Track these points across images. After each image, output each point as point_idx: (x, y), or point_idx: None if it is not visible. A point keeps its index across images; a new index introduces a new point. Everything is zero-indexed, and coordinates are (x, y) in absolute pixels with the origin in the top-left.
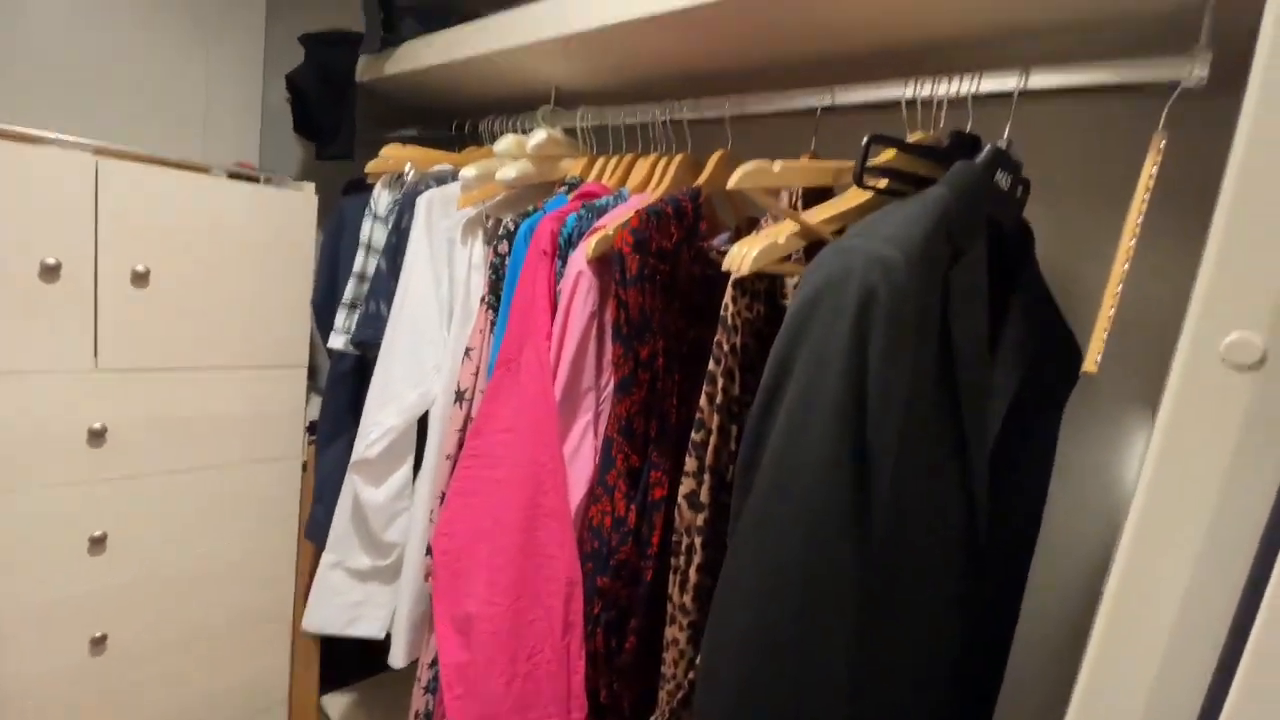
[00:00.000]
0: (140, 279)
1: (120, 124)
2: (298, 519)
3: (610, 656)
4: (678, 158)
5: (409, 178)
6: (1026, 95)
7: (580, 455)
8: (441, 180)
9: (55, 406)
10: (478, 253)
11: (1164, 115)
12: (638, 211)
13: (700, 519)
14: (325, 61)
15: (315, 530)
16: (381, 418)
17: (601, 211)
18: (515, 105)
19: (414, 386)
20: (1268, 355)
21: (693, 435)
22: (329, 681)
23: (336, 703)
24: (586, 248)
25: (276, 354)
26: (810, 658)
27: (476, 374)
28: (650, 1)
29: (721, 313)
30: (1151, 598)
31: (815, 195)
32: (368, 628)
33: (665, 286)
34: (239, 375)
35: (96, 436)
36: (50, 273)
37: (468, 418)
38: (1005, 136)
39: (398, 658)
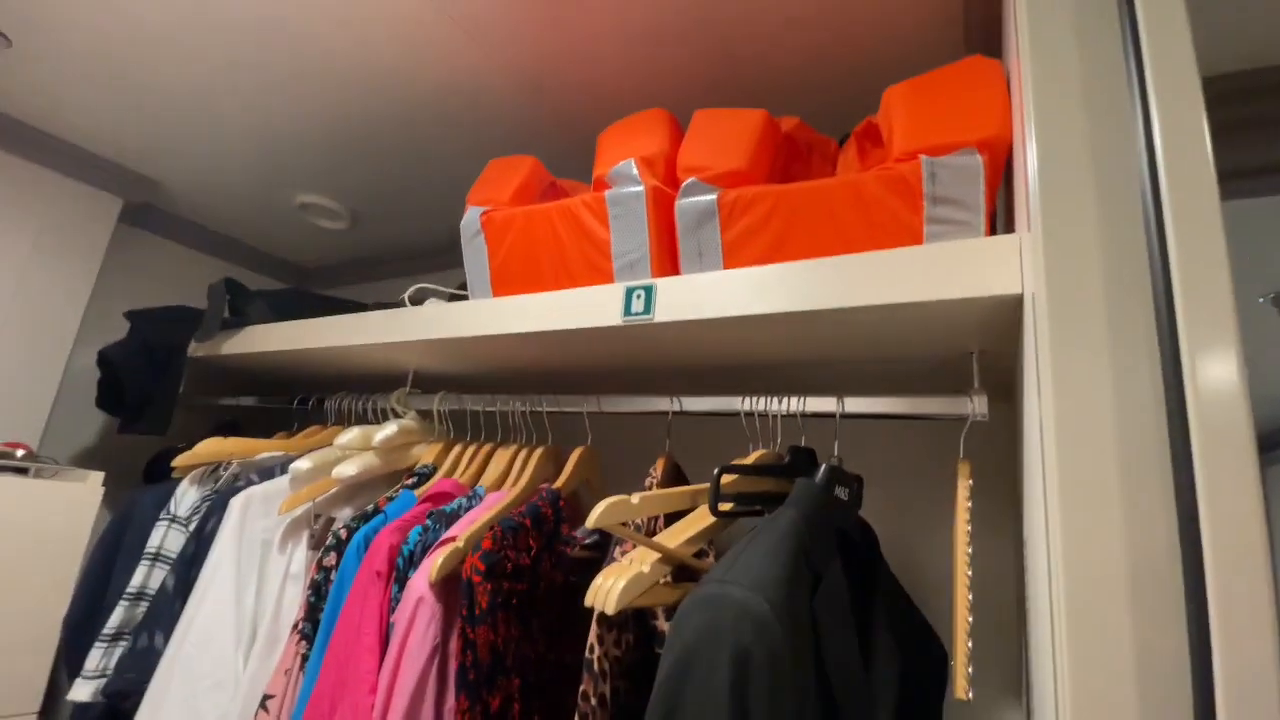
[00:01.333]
0: None
1: None
2: None
3: None
4: (538, 451)
5: (227, 471)
6: (848, 416)
7: None
8: (268, 474)
9: None
10: (298, 560)
11: (961, 444)
12: (491, 529)
13: None
14: (152, 337)
15: None
16: None
17: (452, 518)
18: (369, 384)
19: None
20: None
21: None
22: None
23: None
24: (430, 567)
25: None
26: None
27: None
28: (516, 321)
29: (586, 655)
30: None
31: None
32: None
33: (523, 609)
34: None
35: None
36: None
37: None
38: (835, 454)
39: None
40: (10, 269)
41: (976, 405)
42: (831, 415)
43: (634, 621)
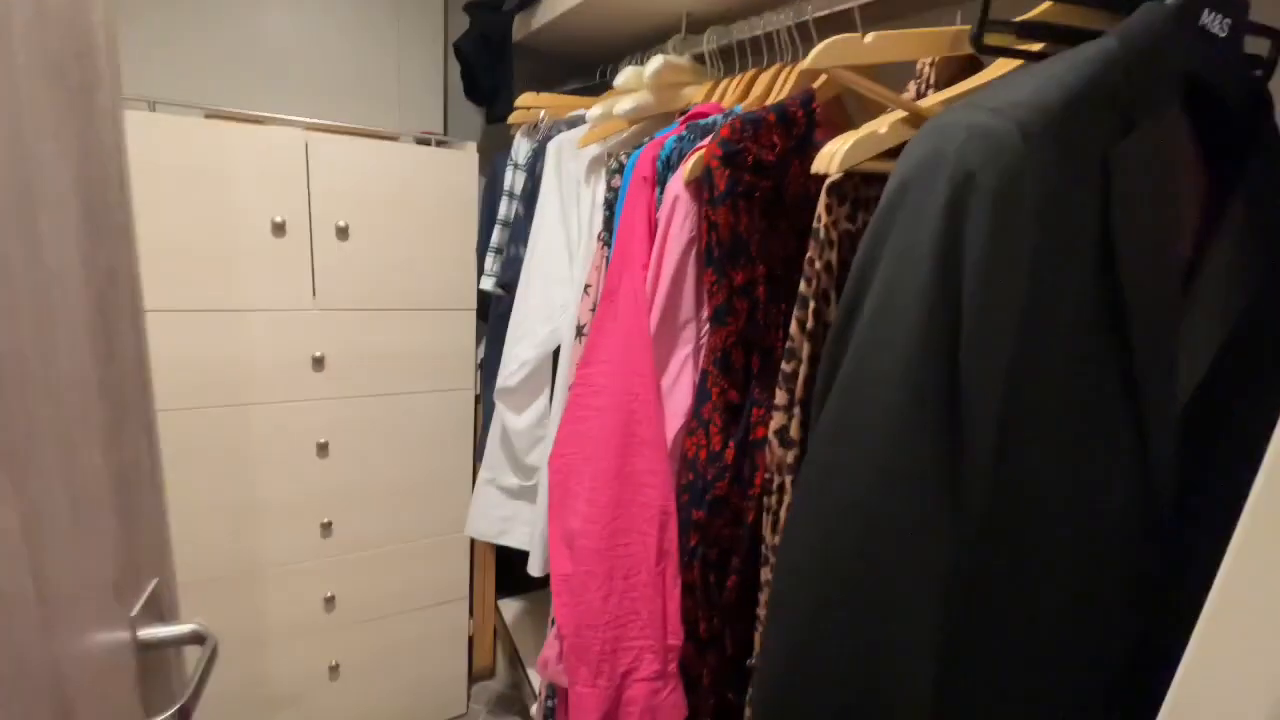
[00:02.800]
0: (342, 233)
1: (331, 103)
2: (473, 443)
3: (710, 593)
4: (800, 64)
5: (543, 125)
6: None
7: (679, 387)
8: (573, 124)
9: (286, 337)
10: (599, 192)
11: None
12: (731, 121)
13: (790, 456)
14: (485, 26)
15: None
16: (518, 351)
17: (708, 131)
18: (650, 42)
19: (545, 322)
20: None
21: (783, 365)
22: (506, 587)
23: (511, 606)
24: (684, 169)
25: (449, 298)
26: (866, 660)
27: (594, 309)
28: None
29: (814, 224)
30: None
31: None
32: (515, 539)
33: (767, 205)
34: (420, 316)
35: (318, 363)
36: (279, 229)
37: None
38: None
39: (535, 567)
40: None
41: None
42: None
43: (874, 203)
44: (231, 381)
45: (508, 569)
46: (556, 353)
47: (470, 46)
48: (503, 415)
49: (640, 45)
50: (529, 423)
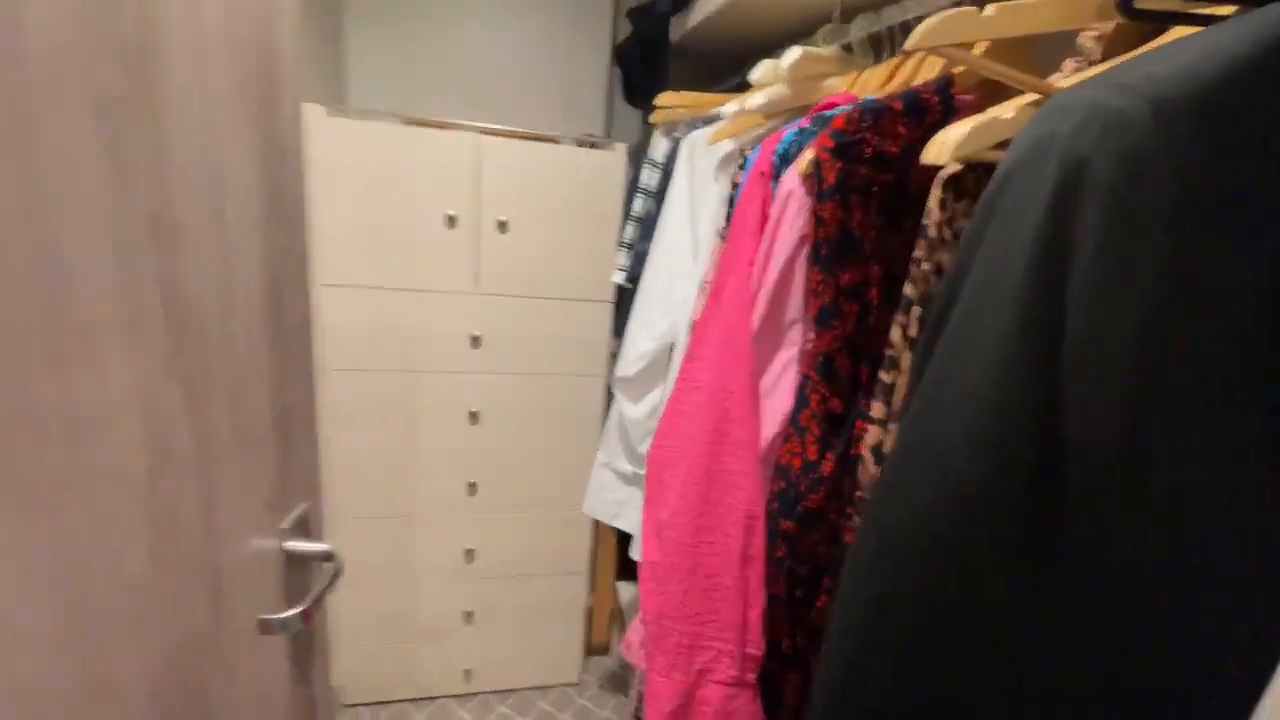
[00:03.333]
0: (502, 226)
1: (505, 107)
2: (600, 427)
3: (795, 607)
4: None
5: (682, 123)
6: None
7: (780, 390)
8: (710, 122)
9: (451, 316)
10: (726, 187)
11: None
12: (849, 110)
13: None
14: (644, 30)
15: None
16: (637, 342)
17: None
18: (803, 35)
19: (664, 316)
20: None
21: (881, 375)
22: (627, 571)
23: (628, 589)
24: (800, 163)
25: (590, 289)
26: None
27: None
28: None
29: (923, 220)
30: None
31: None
32: (626, 523)
33: (887, 201)
34: (564, 305)
35: (475, 340)
36: (451, 221)
37: None
38: None
39: (636, 551)
40: (556, 11)
41: None
42: None
43: None
44: (405, 351)
45: (628, 553)
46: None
47: (630, 51)
48: (620, 403)
49: (793, 38)
50: (644, 413)
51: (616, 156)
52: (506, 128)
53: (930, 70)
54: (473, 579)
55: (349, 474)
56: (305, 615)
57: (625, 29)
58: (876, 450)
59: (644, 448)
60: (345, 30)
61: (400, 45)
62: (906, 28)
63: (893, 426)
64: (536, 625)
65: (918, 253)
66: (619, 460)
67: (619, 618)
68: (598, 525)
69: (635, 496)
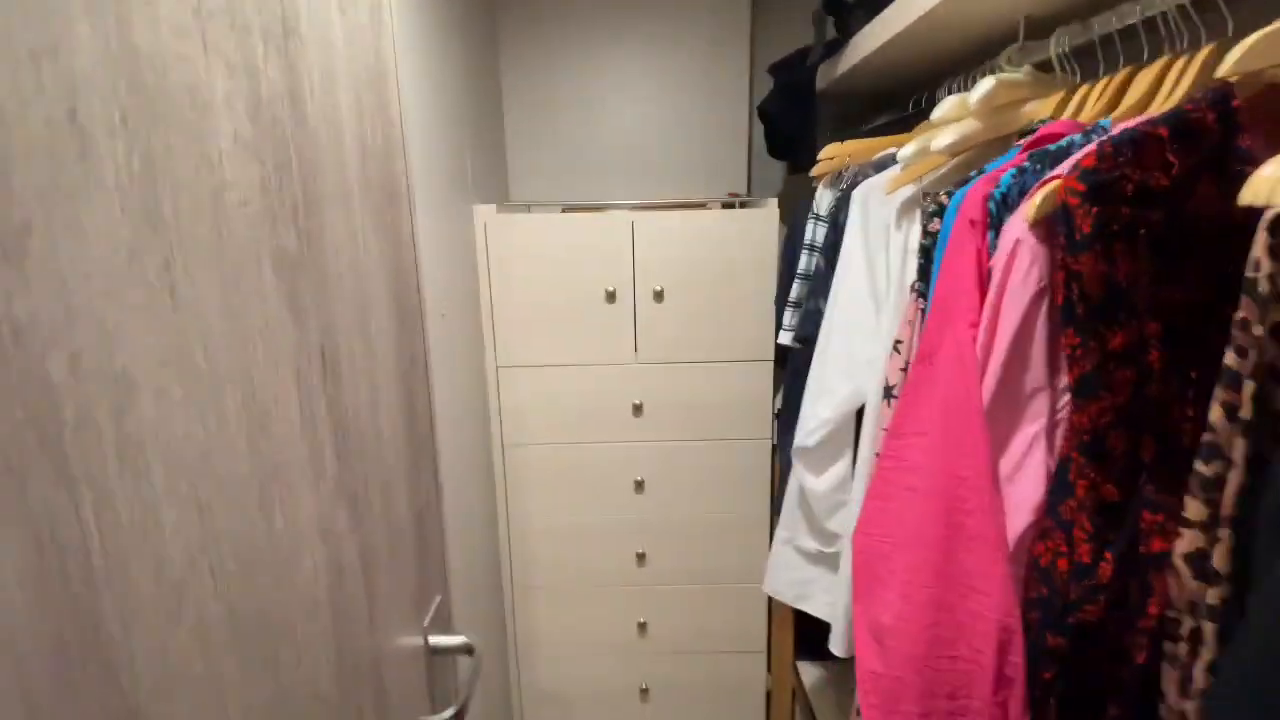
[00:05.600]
0: (658, 296)
1: (649, 178)
2: (769, 491)
3: None
4: (1202, 52)
5: (848, 173)
6: None
7: (1024, 474)
8: (881, 167)
9: (612, 386)
10: (913, 237)
11: None
12: (1099, 143)
13: (1214, 595)
14: (788, 83)
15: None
16: (817, 409)
17: (1059, 158)
18: (975, 60)
19: (847, 380)
20: None
21: (1199, 466)
22: (806, 649)
23: (811, 671)
24: (1027, 208)
25: (749, 350)
26: None
27: (905, 369)
28: None
29: (1247, 273)
30: None
31: None
32: (814, 606)
33: (1158, 242)
34: (723, 368)
35: (637, 409)
36: (610, 296)
37: None
38: None
39: (837, 646)
40: (692, 78)
41: None
42: None
43: None
44: (571, 423)
45: (807, 630)
46: (860, 410)
47: (774, 106)
48: (800, 475)
49: (962, 66)
50: (829, 486)
51: (767, 213)
52: (655, 201)
53: (1182, 81)
54: (646, 654)
55: (521, 544)
56: (459, 715)
57: (761, 85)
58: (1194, 559)
59: (832, 524)
60: (505, 130)
61: (552, 136)
62: (1128, 33)
63: (1224, 533)
64: (715, 707)
65: (1243, 312)
66: (802, 537)
67: (801, 699)
68: (771, 601)
69: (823, 577)
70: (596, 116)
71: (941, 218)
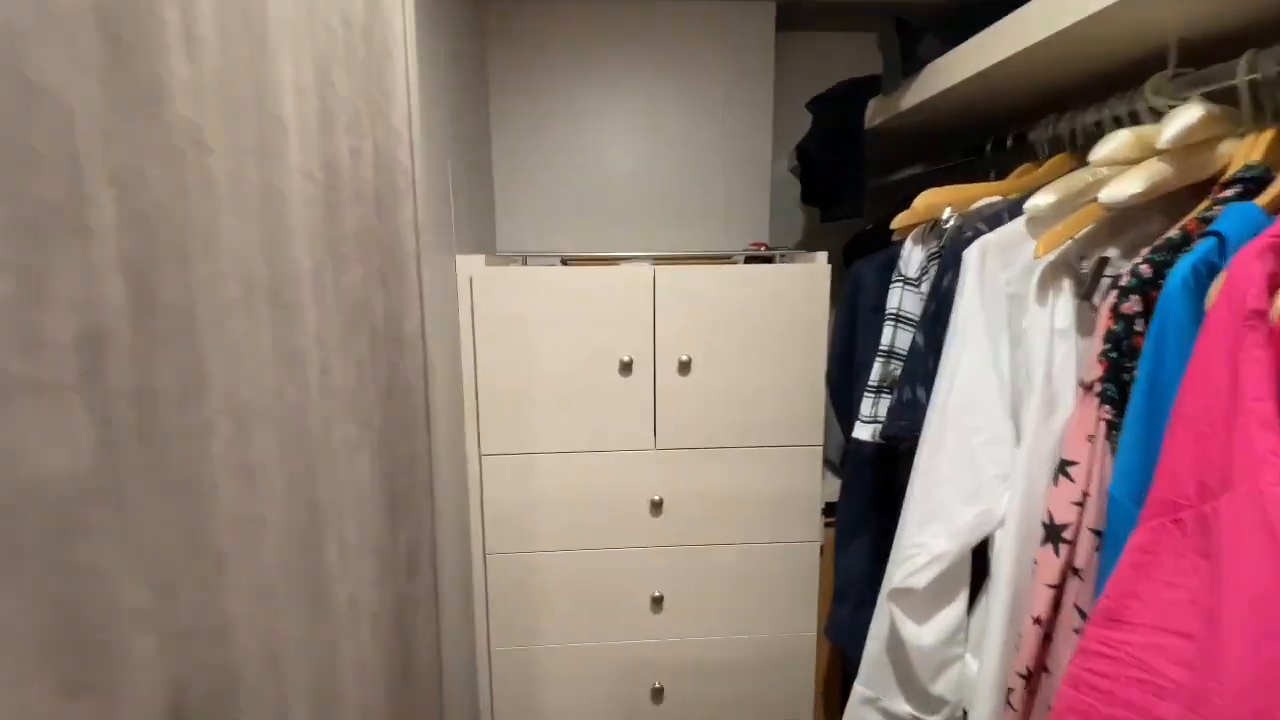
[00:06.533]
0: (684, 367)
1: (665, 226)
2: (816, 606)
3: None
4: None
5: (948, 225)
6: None
7: None
8: (995, 221)
9: (624, 478)
10: (1063, 313)
11: None
12: None
13: None
14: (833, 119)
15: (836, 631)
16: (925, 539)
17: None
18: (1088, 95)
19: (969, 501)
20: None
21: None
22: None
23: None
24: None
25: (793, 434)
26: None
27: (1083, 503)
28: None
29: None
30: None
31: None
32: None
33: None
34: (761, 454)
35: (656, 507)
36: (625, 368)
37: (1068, 570)
38: None
39: None
40: (709, 114)
41: None
42: None
43: None
44: (570, 525)
45: None
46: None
47: (816, 144)
48: (898, 621)
49: (1056, 104)
50: (936, 638)
51: (818, 268)
52: (677, 252)
53: None
54: None
55: (506, 678)
56: None
57: (785, 121)
58: None
59: (938, 687)
60: (493, 177)
61: (543, 183)
62: None
63: None
64: None
65: None
66: (893, 699)
67: None
68: None
69: None
70: (600, 156)
71: (1141, 294)
